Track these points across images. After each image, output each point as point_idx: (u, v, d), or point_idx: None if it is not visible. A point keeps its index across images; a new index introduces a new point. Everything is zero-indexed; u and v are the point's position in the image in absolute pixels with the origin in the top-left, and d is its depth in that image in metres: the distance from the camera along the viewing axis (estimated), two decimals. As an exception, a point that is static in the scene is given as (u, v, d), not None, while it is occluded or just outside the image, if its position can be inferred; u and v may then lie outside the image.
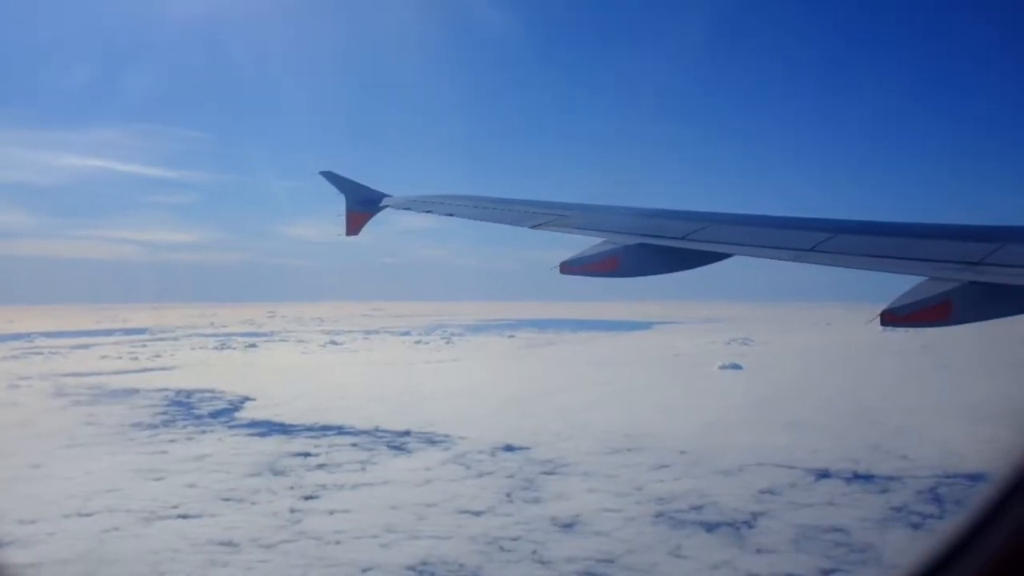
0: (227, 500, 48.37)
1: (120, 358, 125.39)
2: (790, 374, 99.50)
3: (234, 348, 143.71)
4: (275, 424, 70.80)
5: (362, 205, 16.00)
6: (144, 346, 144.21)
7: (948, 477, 52.32)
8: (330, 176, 16.49)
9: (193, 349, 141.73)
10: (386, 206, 15.77)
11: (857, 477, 52.88)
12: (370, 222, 16.15)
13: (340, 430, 67.75)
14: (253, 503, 47.88)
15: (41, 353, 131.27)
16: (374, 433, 66.50)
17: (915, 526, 44.16)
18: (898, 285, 7.32)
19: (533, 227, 11.36)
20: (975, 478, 51.66)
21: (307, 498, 49.00)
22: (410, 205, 15.06)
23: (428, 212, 14.14)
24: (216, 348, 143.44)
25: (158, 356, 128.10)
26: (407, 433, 66.33)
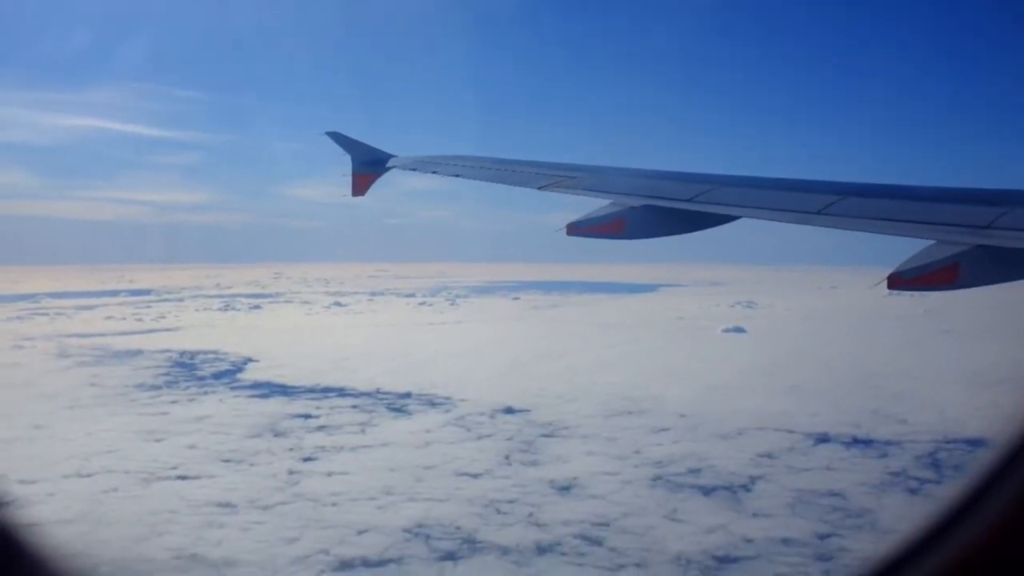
0: (226, 461, 48.57)
1: (124, 319, 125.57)
2: (793, 338, 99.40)
3: (238, 309, 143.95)
4: (277, 385, 70.92)
5: (368, 166, 15.98)
6: (149, 307, 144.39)
7: (947, 442, 52.30)
8: (336, 137, 16.44)
9: (197, 310, 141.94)
10: (392, 167, 15.74)
11: (856, 442, 52.88)
12: (376, 183, 16.12)
13: (341, 392, 67.88)
14: (252, 464, 48.07)
15: (46, 314, 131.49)
16: (375, 395, 66.60)
17: (913, 491, 44.23)
18: (905, 249, 7.26)
19: (540, 188, 11.36)
20: (975, 444, 51.68)
21: (306, 460, 49.18)
22: (416, 166, 15.02)
23: (434, 173, 14.13)
24: (220, 309, 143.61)
25: (162, 317, 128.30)
26: (408, 395, 66.43)
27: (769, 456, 49.45)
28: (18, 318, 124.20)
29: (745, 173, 10.06)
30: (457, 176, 13.28)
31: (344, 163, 16.15)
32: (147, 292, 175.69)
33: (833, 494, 42.96)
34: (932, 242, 7.23)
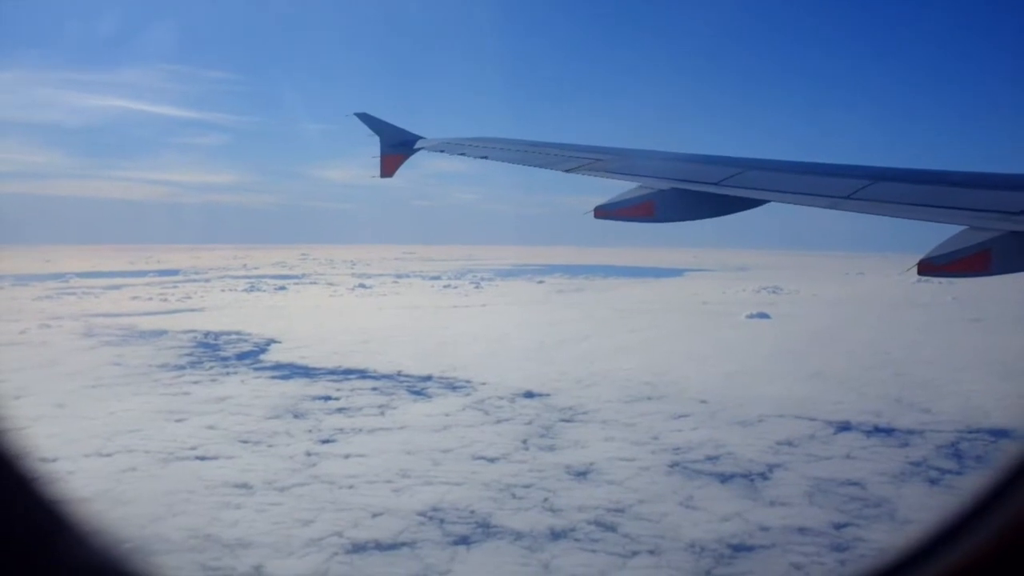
0: (245, 442, 48.79)
1: (151, 299, 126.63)
2: (817, 324, 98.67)
3: (264, 290, 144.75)
4: (298, 367, 71.21)
5: (397, 147, 16.01)
6: (175, 287, 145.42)
7: (971, 432, 51.71)
8: (365, 118, 16.48)
9: (223, 291, 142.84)
10: (420, 148, 15.72)
11: (878, 430, 52.36)
12: (404, 165, 16.13)
13: (362, 374, 68.04)
14: (270, 446, 48.26)
15: (75, 293, 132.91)
16: (395, 378, 66.72)
17: (933, 482, 43.75)
18: (935, 235, 7.15)
19: (568, 171, 11.35)
20: (998, 434, 51.14)
21: (324, 442, 49.30)
22: (444, 147, 15.04)
23: (462, 155, 14.15)
24: (246, 290, 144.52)
25: (188, 298, 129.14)
26: (428, 378, 66.48)
27: (789, 444, 49.08)
28: (47, 297, 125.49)
29: (774, 157, 9.96)
30: (485, 158, 13.30)
31: (373, 144, 16.18)
32: (175, 272, 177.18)
33: (852, 483, 42.53)
34: (962, 228, 7.09)
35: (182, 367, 72.18)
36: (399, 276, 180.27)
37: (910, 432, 51.79)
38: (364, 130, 16.25)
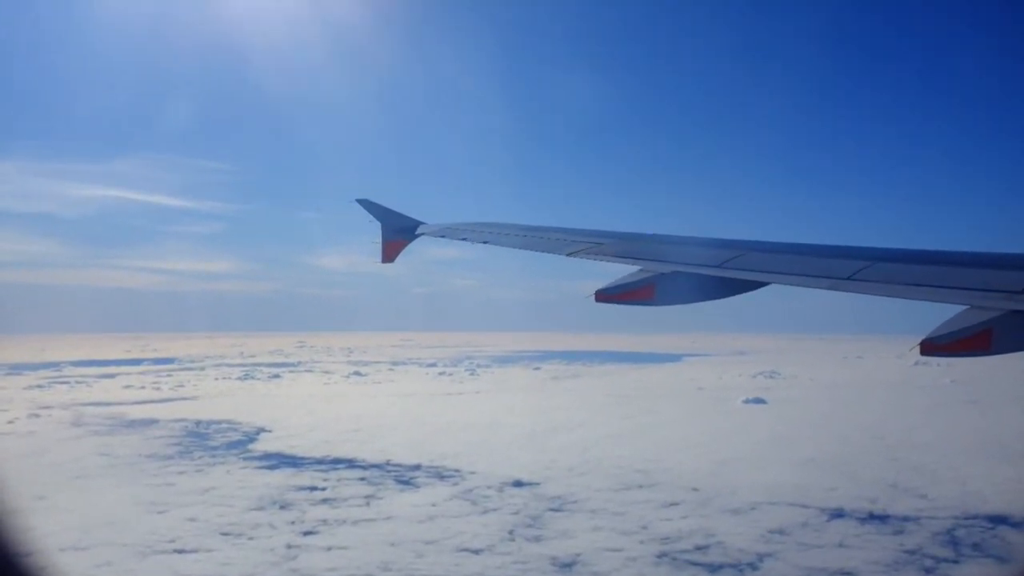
0: (226, 535, 47.83)
1: (143, 388, 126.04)
2: (814, 409, 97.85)
3: (258, 379, 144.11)
4: (286, 457, 70.37)
5: (398, 233, 15.91)
6: (169, 376, 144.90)
7: (967, 519, 50.76)
8: (366, 204, 16.46)
9: (217, 379, 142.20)
10: (422, 234, 15.63)
11: (872, 517, 51.42)
12: (404, 251, 16.01)
13: (351, 463, 67.19)
14: (251, 538, 47.29)
15: (67, 382, 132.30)
16: (384, 467, 65.86)
17: (928, 571, 42.83)
18: (935, 315, 7.03)
19: (569, 255, 11.17)
20: (996, 521, 50.23)
21: (306, 533, 48.35)
22: (445, 232, 14.94)
23: (463, 240, 14.00)
24: (240, 378, 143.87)
25: (181, 386, 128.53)
26: (417, 467, 65.65)
27: (781, 532, 48.10)
28: (38, 386, 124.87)
29: (774, 239, 9.97)
30: (486, 243, 13.15)
31: (373, 230, 16.15)
32: (170, 361, 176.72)
33: (844, 573, 41.62)
34: (964, 308, 6.98)
35: (169, 457, 71.31)
36: (395, 363, 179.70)
37: (905, 519, 50.83)
38: (362, 217, 16.30)
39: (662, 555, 44.18)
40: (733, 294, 9.12)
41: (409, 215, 16.34)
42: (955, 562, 43.91)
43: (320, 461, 68.21)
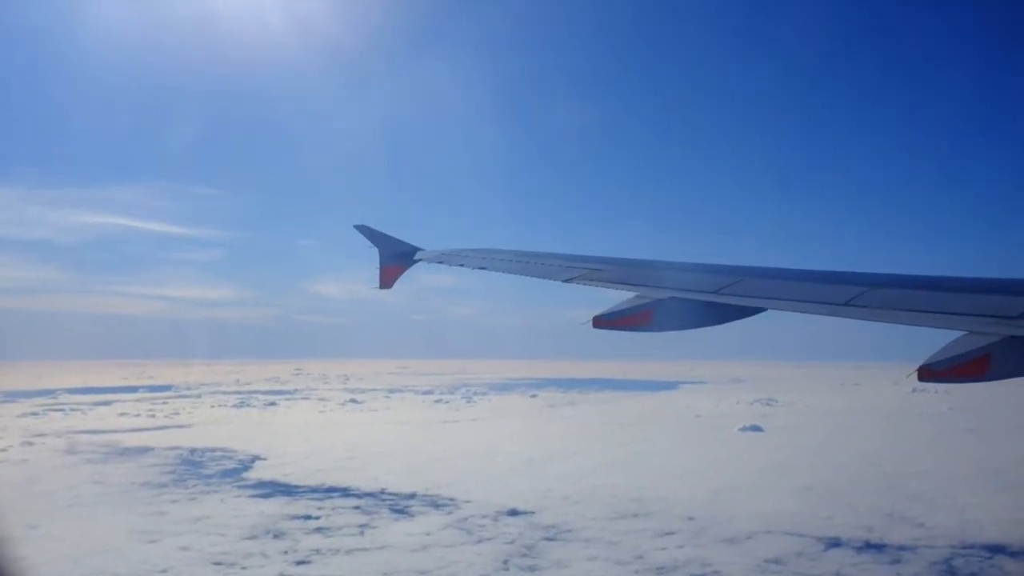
0: (218, 564, 47.55)
1: (139, 415, 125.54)
2: (811, 437, 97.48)
3: (253, 406, 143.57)
4: (280, 485, 70.01)
5: (396, 258, 15.87)
6: (165, 403, 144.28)
7: (964, 548, 50.50)
8: (364, 230, 16.46)
9: (213, 407, 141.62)
10: (420, 259, 15.59)
11: (869, 546, 51.15)
12: (401, 278, 15.92)
13: (345, 492, 66.85)
14: (244, 568, 47.02)
15: (62, 410, 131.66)
16: (379, 495, 65.52)
17: (925, 600, 42.50)
18: (931, 343, 6.97)
19: (566, 281, 11.14)
20: (993, 550, 49.96)
21: (300, 563, 48.05)
22: (443, 258, 14.94)
23: (460, 265, 14.03)
24: (236, 406, 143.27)
25: (176, 414, 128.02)
26: (412, 496, 65.30)
27: (776, 562, 47.84)
28: (33, 414, 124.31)
29: (772, 265, 9.99)
30: (483, 269, 13.16)
31: (369, 256, 16.11)
32: (166, 388, 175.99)
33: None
34: (961, 334, 6.95)
35: (163, 485, 70.93)
36: (392, 391, 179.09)
37: (902, 548, 50.56)
38: (359, 244, 16.25)
39: (657, 585, 43.91)
40: (731, 320, 9.09)
41: (407, 241, 16.37)
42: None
43: (314, 489, 67.85)
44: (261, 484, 70.73)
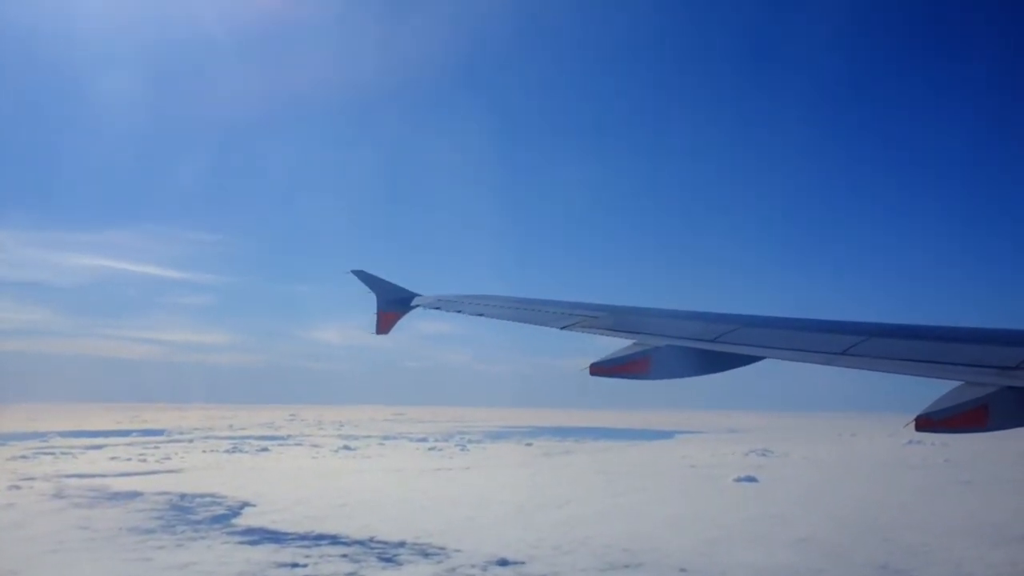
0: (201, 612, 46.78)
1: (130, 459, 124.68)
2: (806, 488, 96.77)
3: (246, 452, 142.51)
4: (269, 532, 69.31)
5: (393, 304, 15.85)
6: (157, 448, 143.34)
7: (959, 602, 49.86)
8: (361, 275, 16.39)
9: (205, 452, 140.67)
10: (417, 305, 15.55)
11: (862, 600, 50.50)
12: (397, 324, 15.88)
13: (334, 539, 66.15)
14: (227, 616, 46.25)
15: (53, 453, 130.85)
16: (368, 543, 64.82)
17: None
18: (927, 393, 6.93)
19: (563, 328, 11.09)
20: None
21: (283, 612, 47.28)
22: (440, 304, 14.93)
23: (458, 312, 14.02)
24: (228, 451, 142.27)
25: (167, 458, 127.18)
26: (402, 544, 64.63)
27: (768, 615, 47.15)
28: (23, 457, 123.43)
29: (769, 314, 9.93)
30: (480, 315, 13.12)
31: (365, 302, 16.01)
32: (159, 432, 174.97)
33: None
34: (959, 384, 6.91)
35: (151, 531, 70.19)
36: (386, 438, 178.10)
37: (896, 603, 49.93)
38: (356, 289, 16.16)
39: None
40: (727, 368, 9.06)
41: (404, 287, 16.27)
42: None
43: (303, 537, 67.16)
44: (249, 531, 70.00)
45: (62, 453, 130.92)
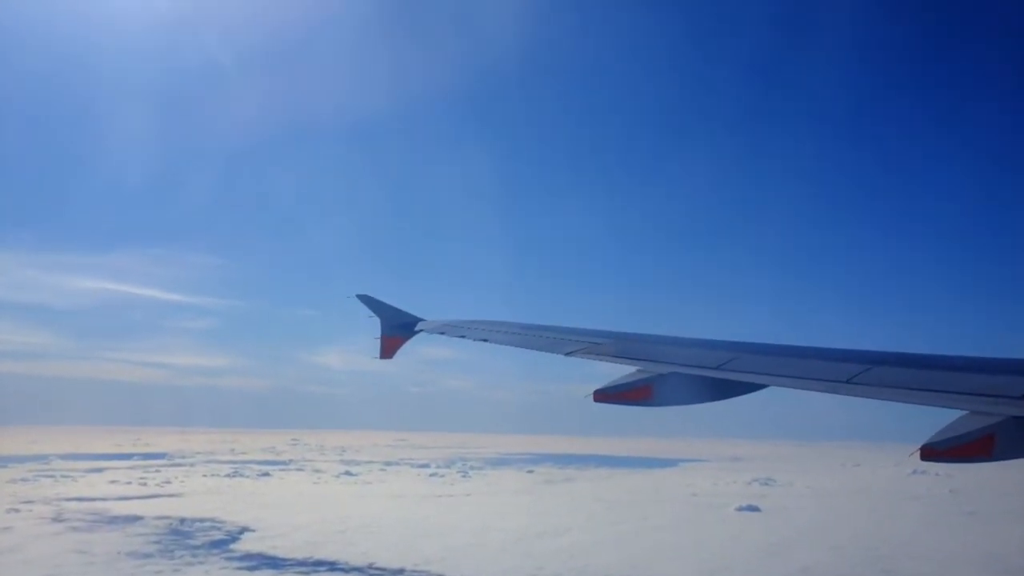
0: (197, 639, 46.48)
1: (130, 483, 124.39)
2: (808, 518, 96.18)
3: (247, 476, 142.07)
4: (268, 557, 69.08)
5: (397, 329, 15.84)
6: (158, 471, 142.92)
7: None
8: (366, 299, 16.39)
9: (205, 476, 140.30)
10: (421, 330, 15.54)
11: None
12: (401, 349, 15.86)
13: (332, 566, 65.90)
14: (222, 643, 45.93)
15: (53, 476, 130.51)
16: (366, 570, 64.62)
17: None
18: (931, 422, 6.92)
19: (567, 354, 11.07)
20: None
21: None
22: (444, 329, 14.90)
23: (462, 337, 14.03)
24: (229, 476, 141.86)
25: (168, 482, 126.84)
26: (401, 571, 64.43)
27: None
28: (23, 480, 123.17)
29: (773, 341, 9.90)
30: (485, 340, 13.12)
31: (370, 326, 16.02)
32: (160, 456, 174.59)
33: None
34: (964, 413, 6.89)
35: (148, 555, 69.96)
36: (388, 464, 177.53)
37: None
38: (360, 313, 16.16)
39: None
40: (731, 396, 9.04)
41: (408, 311, 16.27)
42: None
43: (302, 563, 66.89)
44: (248, 556, 69.74)
45: (62, 476, 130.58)
